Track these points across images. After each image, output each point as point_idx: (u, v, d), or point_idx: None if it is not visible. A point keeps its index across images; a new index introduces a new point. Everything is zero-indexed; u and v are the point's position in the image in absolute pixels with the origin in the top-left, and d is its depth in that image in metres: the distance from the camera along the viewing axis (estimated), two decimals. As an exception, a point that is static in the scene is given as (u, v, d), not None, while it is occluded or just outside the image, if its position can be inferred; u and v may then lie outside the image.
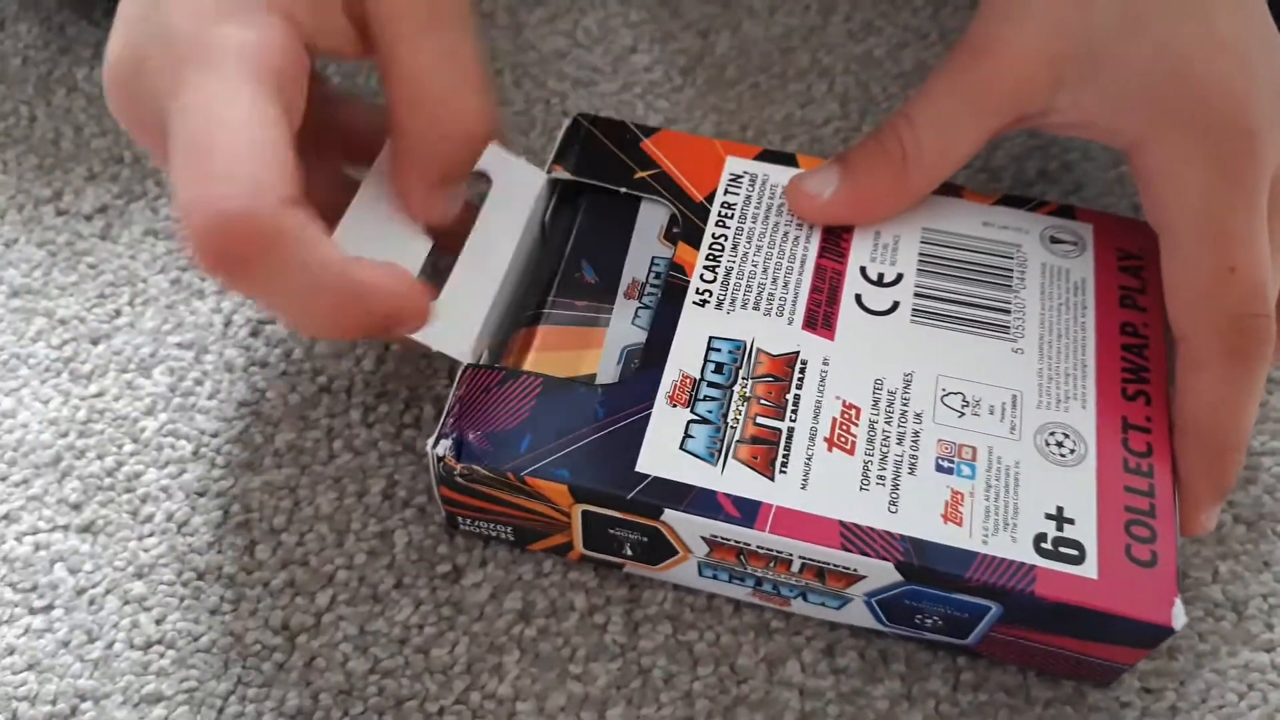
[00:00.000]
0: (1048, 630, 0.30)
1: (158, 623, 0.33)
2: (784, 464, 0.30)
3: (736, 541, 0.30)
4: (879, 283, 0.34)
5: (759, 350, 0.32)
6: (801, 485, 0.30)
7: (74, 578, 0.34)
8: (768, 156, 0.37)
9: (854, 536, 0.29)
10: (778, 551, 0.30)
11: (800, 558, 0.30)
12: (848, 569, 0.30)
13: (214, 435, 0.36)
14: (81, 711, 0.31)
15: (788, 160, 0.37)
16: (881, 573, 0.29)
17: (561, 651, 0.33)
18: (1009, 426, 0.31)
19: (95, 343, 0.38)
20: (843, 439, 0.31)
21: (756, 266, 0.34)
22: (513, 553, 0.34)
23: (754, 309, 0.33)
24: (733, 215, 0.35)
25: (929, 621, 0.31)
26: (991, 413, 0.31)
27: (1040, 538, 0.29)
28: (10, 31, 0.47)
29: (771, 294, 0.34)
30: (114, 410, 0.37)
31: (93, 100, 0.45)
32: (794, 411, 0.31)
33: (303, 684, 0.32)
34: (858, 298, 0.34)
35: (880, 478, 0.30)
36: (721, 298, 0.33)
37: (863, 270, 0.34)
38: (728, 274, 0.34)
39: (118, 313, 0.39)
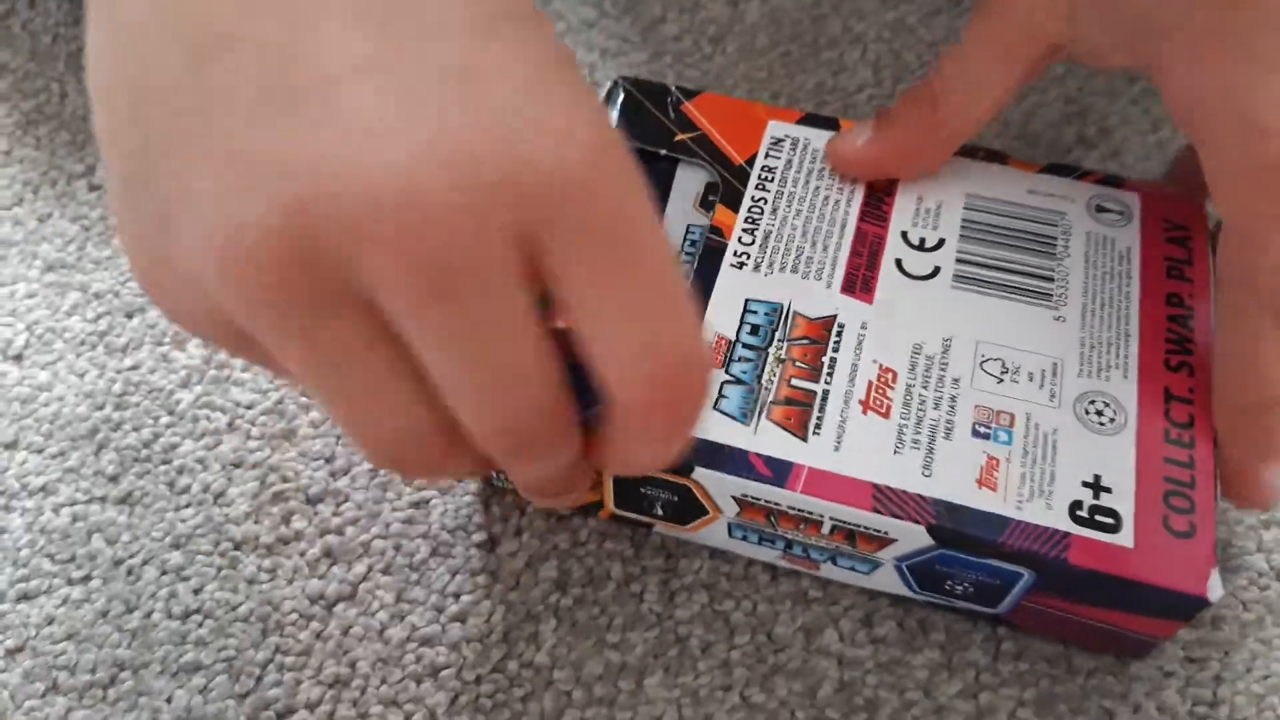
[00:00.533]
0: (1081, 600, 0.29)
1: (195, 592, 0.33)
2: (817, 426, 0.30)
3: (767, 501, 0.30)
4: (920, 247, 0.34)
5: (796, 314, 0.32)
6: (835, 447, 0.30)
7: (111, 549, 0.34)
8: (810, 120, 0.37)
9: (886, 499, 0.29)
10: (808, 512, 0.29)
11: (831, 519, 0.29)
12: (878, 532, 0.29)
13: (249, 407, 0.36)
14: (120, 681, 0.32)
15: (830, 124, 0.36)
16: (913, 536, 0.29)
17: (598, 620, 0.32)
18: (1049, 394, 0.31)
19: (130, 316, 0.38)
20: (878, 402, 0.31)
21: (796, 230, 0.34)
22: (548, 521, 0.34)
23: (792, 272, 0.33)
24: (773, 179, 0.35)
25: (960, 588, 0.31)
26: (1031, 379, 0.31)
27: (1076, 505, 0.29)
28: (41, 8, 0.47)
29: (810, 257, 0.33)
30: (149, 383, 0.37)
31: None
32: (829, 374, 0.31)
33: (340, 653, 0.32)
34: (898, 262, 0.33)
35: (915, 441, 0.30)
36: (759, 260, 0.33)
37: (904, 235, 0.34)
38: (766, 237, 0.34)
39: (151, 286, 0.39)
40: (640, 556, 0.34)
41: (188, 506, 0.34)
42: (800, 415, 0.30)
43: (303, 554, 0.34)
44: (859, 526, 0.29)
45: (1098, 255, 0.34)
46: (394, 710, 0.31)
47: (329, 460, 0.35)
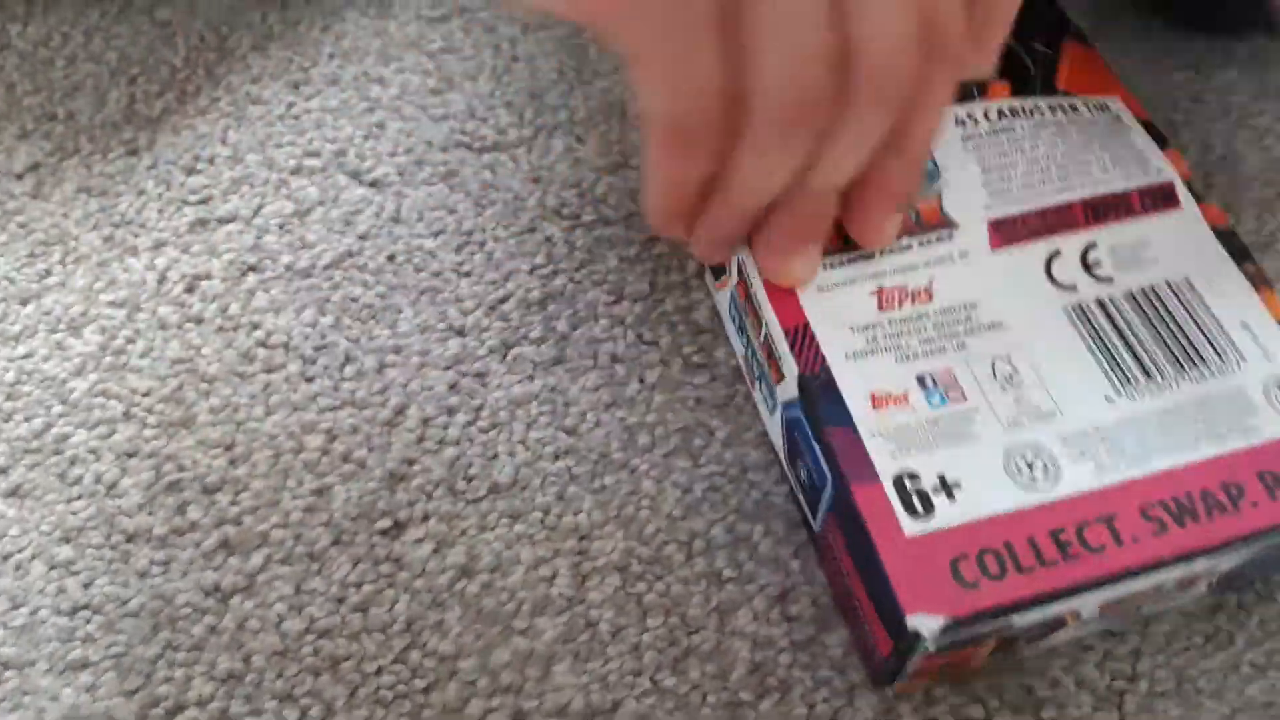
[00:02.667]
0: (854, 558, 0.29)
1: (85, 587, 0.32)
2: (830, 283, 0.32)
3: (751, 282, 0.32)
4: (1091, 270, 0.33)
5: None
6: (821, 289, 0.31)
7: None
8: None
9: (802, 335, 0.30)
10: (763, 315, 0.31)
11: (766, 324, 0.31)
12: (780, 359, 0.31)
13: (146, 394, 0.35)
14: (4, 680, 0.30)
15: None
16: (791, 382, 0.30)
17: (506, 607, 0.31)
18: (1009, 401, 0.30)
19: (24, 303, 0.37)
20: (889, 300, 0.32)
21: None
22: (456, 505, 0.33)
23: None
24: None
25: (802, 473, 0.31)
26: (1007, 391, 0.30)
27: (911, 477, 0.28)
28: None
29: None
30: (42, 371, 0.35)
31: (25, 57, 0.43)
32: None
33: (235, 646, 0.31)
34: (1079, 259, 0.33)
35: (891, 338, 0.31)
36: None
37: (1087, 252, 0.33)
38: None
39: (48, 272, 0.38)
40: (552, 540, 0.33)
41: (79, 498, 0.33)
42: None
43: (198, 545, 0.32)
44: (775, 346, 0.31)
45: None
46: (289, 705, 0.30)
47: (228, 448, 0.34)
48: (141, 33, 0.44)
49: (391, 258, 0.38)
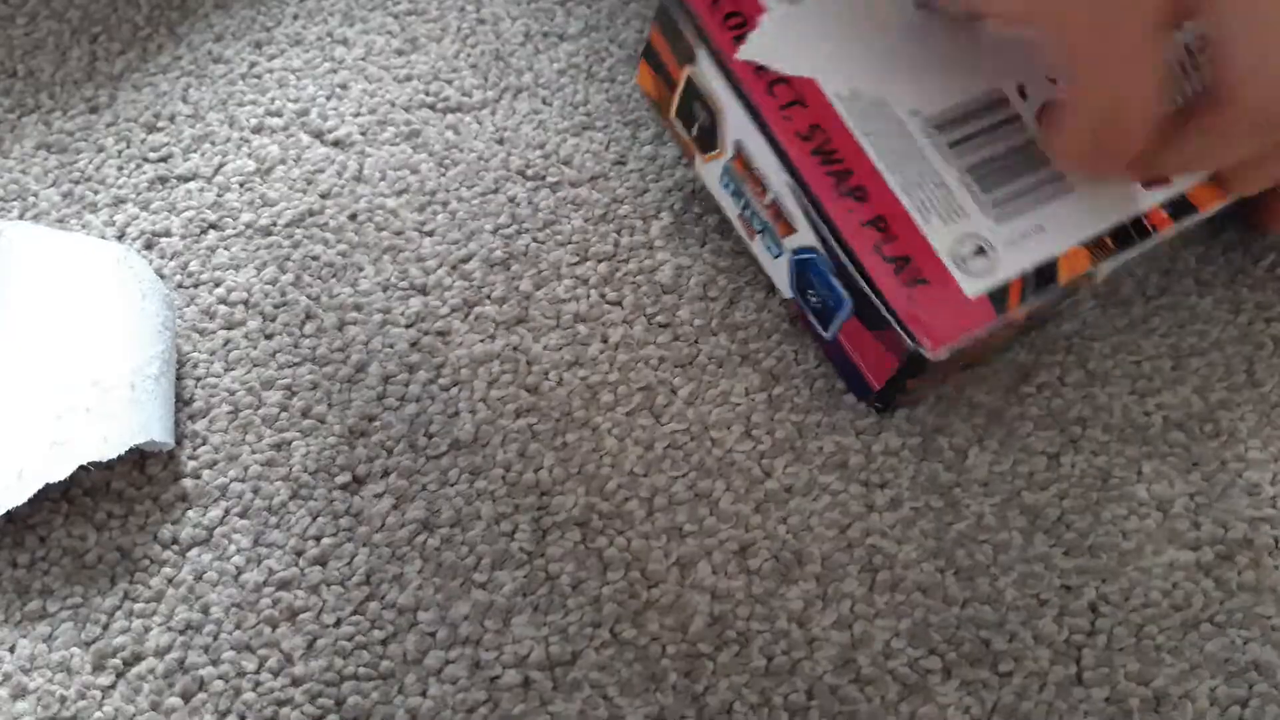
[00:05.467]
0: (863, 318, 0.32)
1: (42, 540, 0.31)
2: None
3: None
4: None
5: None
6: None
7: (-46, 496, 0.32)
8: None
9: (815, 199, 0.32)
10: (761, 173, 0.33)
11: (775, 182, 0.32)
12: (790, 215, 0.32)
13: (104, 349, 0.35)
14: (-42, 631, 0.30)
15: None
16: (806, 232, 0.32)
17: (466, 560, 0.31)
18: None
19: (-19, 259, 0.36)
20: None
21: None
22: (416, 461, 0.33)
23: None
24: None
25: (814, 299, 0.33)
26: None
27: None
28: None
29: None
30: None
31: (-17, 14, 0.42)
32: None
33: (193, 598, 0.31)
34: None
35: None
36: None
37: None
38: None
39: (5, 228, 0.37)
40: (512, 495, 0.33)
41: (35, 452, 0.33)
42: None
43: (156, 499, 0.32)
44: (782, 201, 0.32)
45: None
46: (247, 655, 0.30)
47: (187, 403, 0.34)
48: (103, -9, 0.43)
49: (354, 216, 0.38)
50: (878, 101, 0.33)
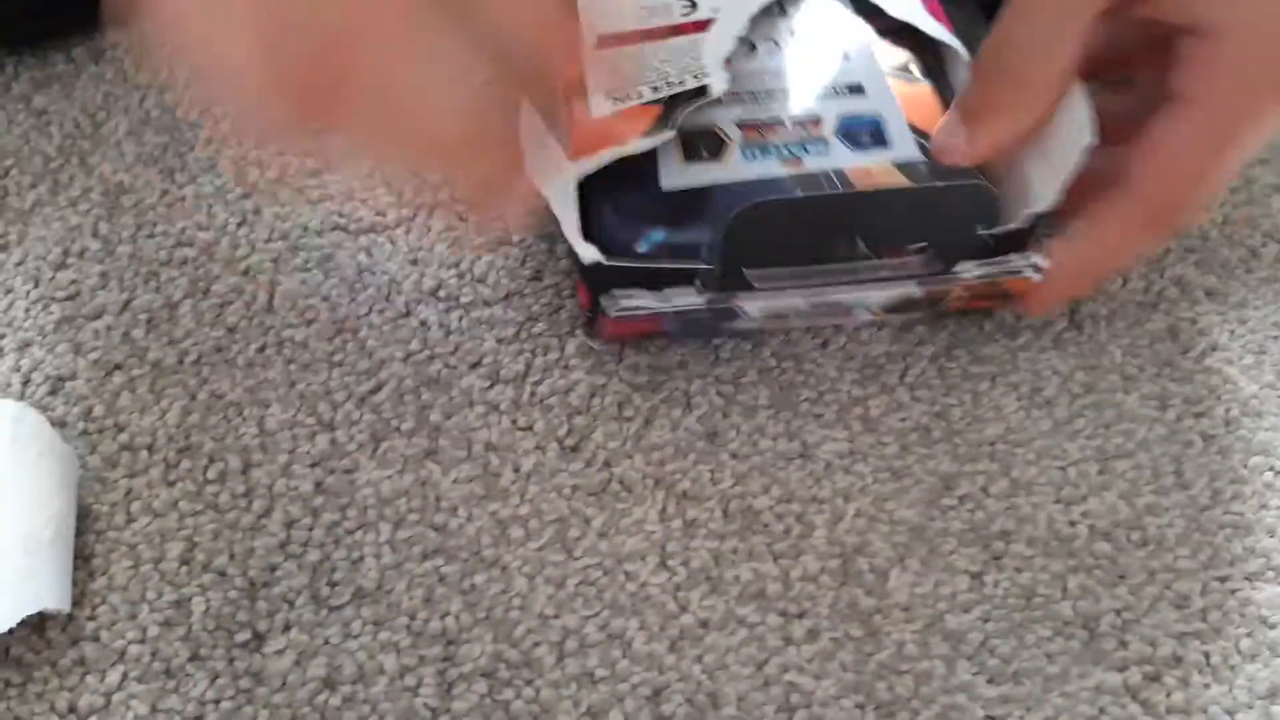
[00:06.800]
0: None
1: (-66, 715, 0.31)
2: None
3: None
4: None
5: None
6: None
7: None
8: None
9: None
10: None
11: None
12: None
13: (5, 505, 0.34)
14: None
15: None
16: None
17: None
18: None
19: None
20: None
21: None
22: (318, 614, 0.32)
23: None
24: None
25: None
26: None
27: None
28: None
29: None
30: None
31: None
32: None
33: (87, 773, 0.30)
34: None
35: None
36: None
37: None
38: None
39: (-89, 377, 0.37)
40: (417, 646, 0.32)
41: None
42: None
43: (54, 664, 0.31)
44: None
45: None
46: (139, 835, 0.29)
47: (87, 559, 0.33)
48: (16, 122, 0.43)
49: (261, 349, 0.37)
50: None
